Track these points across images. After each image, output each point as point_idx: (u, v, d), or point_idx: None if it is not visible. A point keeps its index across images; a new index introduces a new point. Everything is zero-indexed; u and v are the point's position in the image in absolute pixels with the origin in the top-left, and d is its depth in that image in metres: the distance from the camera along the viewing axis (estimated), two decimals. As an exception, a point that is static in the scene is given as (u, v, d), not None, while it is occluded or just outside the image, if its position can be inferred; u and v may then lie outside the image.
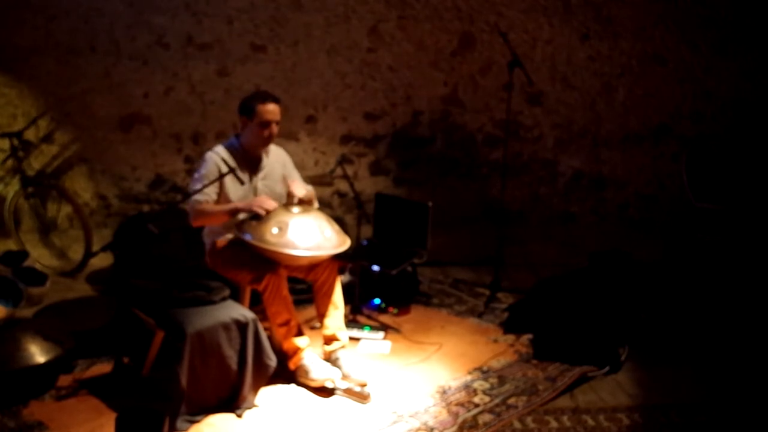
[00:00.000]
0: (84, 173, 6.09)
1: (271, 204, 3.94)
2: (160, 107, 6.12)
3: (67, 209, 5.87)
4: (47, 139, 5.96)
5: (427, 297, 5.33)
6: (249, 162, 4.17)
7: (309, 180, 4.63)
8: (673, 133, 7.00)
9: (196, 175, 4.06)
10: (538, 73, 6.67)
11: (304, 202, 4.07)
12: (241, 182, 4.01)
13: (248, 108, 4.07)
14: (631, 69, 6.86)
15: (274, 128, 4.09)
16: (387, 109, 6.63)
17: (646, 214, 7.09)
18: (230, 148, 4.13)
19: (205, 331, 3.61)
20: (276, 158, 4.31)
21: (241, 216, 3.98)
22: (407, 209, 5.16)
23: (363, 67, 6.49)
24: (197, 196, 3.96)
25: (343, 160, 5.43)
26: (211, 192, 3.99)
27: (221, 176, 3.98)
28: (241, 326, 3.73)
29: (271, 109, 4.06)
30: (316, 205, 4.25)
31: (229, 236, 4.18)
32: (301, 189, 4.09)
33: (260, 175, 4.20)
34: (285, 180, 4.25)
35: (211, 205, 3.99)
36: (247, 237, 3.88)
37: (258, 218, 3.90)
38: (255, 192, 4.17)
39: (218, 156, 4.07)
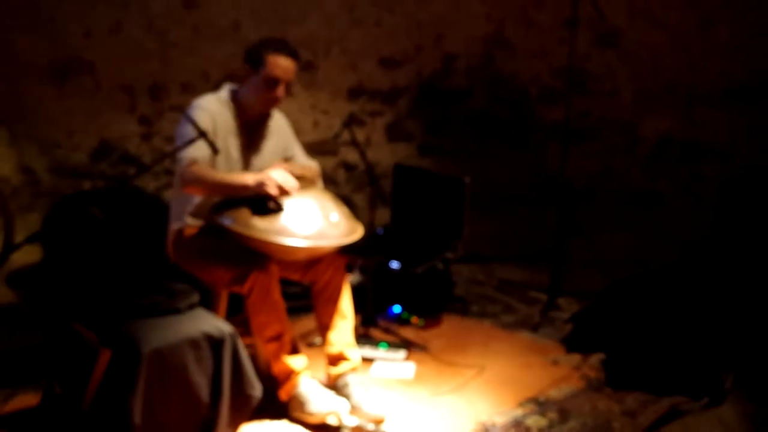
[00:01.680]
0: (2, 139, 6.09)
1: (294, 184, 3.96)
2: (105, 50, 6.10)
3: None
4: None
5: (463, 304, 5.39)
6: (239, 125, 4.22)
7: (307, 148, 4.64)
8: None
9: (180, 129, 4.09)
10: (612, 6, 6.61)
11: (302, 179, 4.10)
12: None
13: (256, 56, 4.11)
14: (737, -1, 6.83)
15: (283, 90, 4.14)
16: (410, 53, 6.63)
17: (758, 194, 7.04)
18: (217, 103, 4.17)
19: (167, 350, 3.60)
20: (275, 125, 4.38)
21: None
22: (437, 187, 5.20)
23: (378, -4, 6.54)
24: (189, 152, 3.96)
25: (352, 122, 5.44)
26: (205, 149, 3.98)
27: (192, 140, 3.96)
28: (215, 343, 3.72)
29: (285, 65, 4.11)
30: (320, 185, 4.30)
31: (200, 221, 4.19)
32: (295, 166, 4.15)
33: (254, 144, 4.26)
34: (284, 154, 4.35)
35: (207, 169, 4.00)
36: (227, 221, 3.89)
37: (265, 208, 3.90)
38: (246, 166, 4.22)
39: (208, 107, 4.11)
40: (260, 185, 3.91)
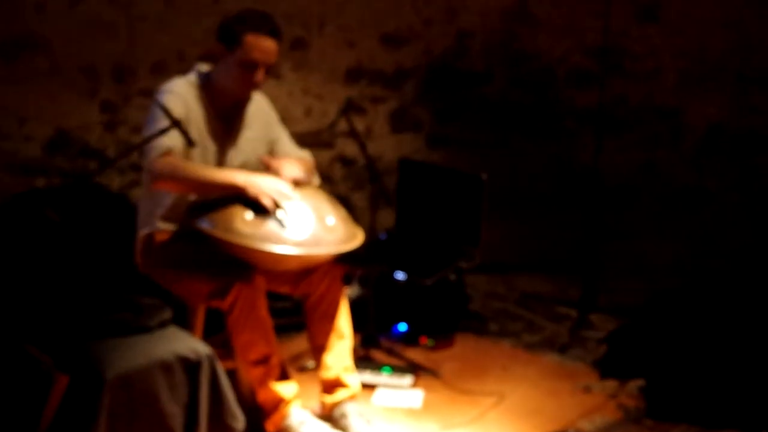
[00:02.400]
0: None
1: (289, 192, 3.97)
2: (62, 25, 6.10)
3: None
4: None
5: (480, 321, 5.44)
6: (214, 112, 4.22)
7: (297, 140, 4.63)
8: None
9: (150, 118, 4.08)
10: (653, -28, 6.63)
11: (299, 183, 4.12)
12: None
13: (230, 34, 4.10)
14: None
15: (262, 74, 4.13)
16: (418, 29, 6.66)
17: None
18: (195, 85, 4.18)
19: (134, 375, 3.60)
20: (257, 111, 4.38)
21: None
22: (449, 184, 5.23)
23: (380, -38, 6.54)
24: (162, 141, 3.93)
25: (350, 109, 5.43)
26: (178, 142, 3.97)
27: (165, 130, 3.94)
28: (191, 367, 3.72)
29: (265, 47, 4.09)
30: (316, 181, 4.31)
31: (174, 225, 4.19)
32: (293, 168, 4.13)
33: (233, 134, 4.26)
34: (269, 145, 4.37)
35: (183, 162, 3.99)
36: (205, 225, 3.90)
37: (259, 210, 3.89)
38: (222, 160, 4.22)
39: (178, 91, 4.11)
40: (250, 191, 3.89)
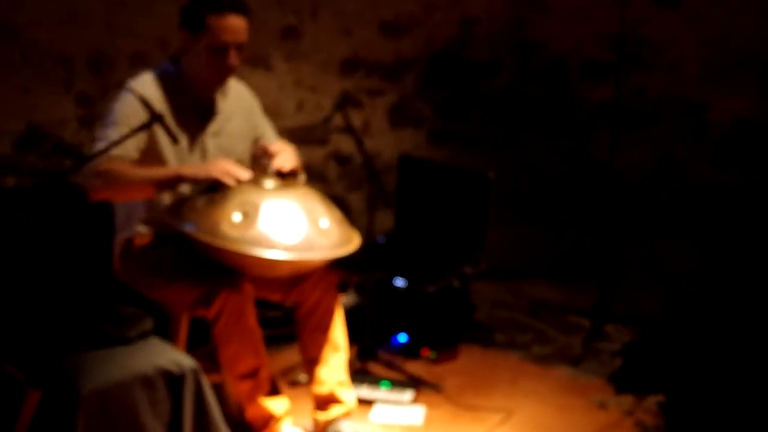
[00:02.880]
0: None
1: (243, 171, 3.98)
2: (33, 11, 6.09)
3: None
4: None
5: (486, 331, 5.45)
6: (194, 105, 4.21)
7: (290, 136, 4.64)
8: None
9: (105, 121, 4.08)
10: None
11: (286, 176, 4.12)
12: (174, 139, 4.00)
13: (193, 18, 4.09)
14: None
15: (236, 56, 4.11)
16: (419, 16, 6.67)
17: None
18: (164, 79, 4.16)
19: (112, 390, 3.60)
20: (237, 101, 4.36)
21: (184, 188, 4.02)
22: (453, 184, 5.26)
23: (378, -57, 6.55)
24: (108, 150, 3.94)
25: (346, 102, 5.47)
26: (130, 146, 3.99)
27: (146, 125, 3.96)
28: (174, 381, 3.72)
29: (232, 25, 4.07)
30: (303, 177, 4.28)
31: (155, 228, 4.19)
32: (288, 159, 4.16)
33: (210, 128, 4.24)
34: (253, 138, 4.35)
35: (128, 165, 3.98)
36: (189, 228, 3.89)
37: (215, 190, 3.93)
38: (203, 155, 4.21)
39: (142, 91, 4.09)
40: (208, 175, 3.92)
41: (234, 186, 3.92)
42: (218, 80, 4.18)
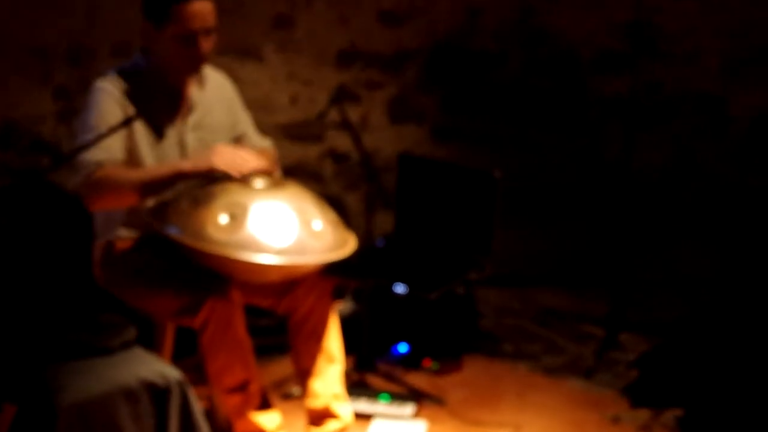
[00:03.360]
0: None
1: (253, 160, 4.01)
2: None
3: None
4: None
5: (493, 341, 5.46)
6: (167, 99, 4.21)
7: (282, 132, 4.63)
8: None
9: (85, 119, 4.08)
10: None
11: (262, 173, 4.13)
12: (159, 135, 4.01)
13: (156, 9, 4.09)
14: None
15: (206, 43, 4.10)
16: (420, 4, 6.69)
17: None
18: (131, 76, 4.16)
19: (92, 404, 3.59)
20: (216, 92, 4.36)
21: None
22: (457, 183, 5.26)
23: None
24: (97, 154, 3.95)
25: (343, 96, 5.45)
26: (116, 147, 4.00)
27: (126, 122, 3.97)
28: (158, 394, 3.71)
29: (197, 11, 4.06)
30: (277, 172, 4.29)
31: (137, 231, 4.19)
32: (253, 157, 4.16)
33: (189, 121, 4.24)
34: (234, 132, 4.39)
35: (121, 169, 3.99)
36: (173, 231, 3.89)
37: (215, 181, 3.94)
38: (182, 151, 4.20)
39: (112, 89, 4.11)
40: (210, 168, 3.91)
41: (239, 180, 3.93)
42: (191, 70, 4.17)
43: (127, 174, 3.97)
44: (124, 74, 4.14)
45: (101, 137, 3.92)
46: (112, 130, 3.92)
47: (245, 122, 4.46)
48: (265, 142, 4.48)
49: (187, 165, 3.97)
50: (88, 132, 3.99)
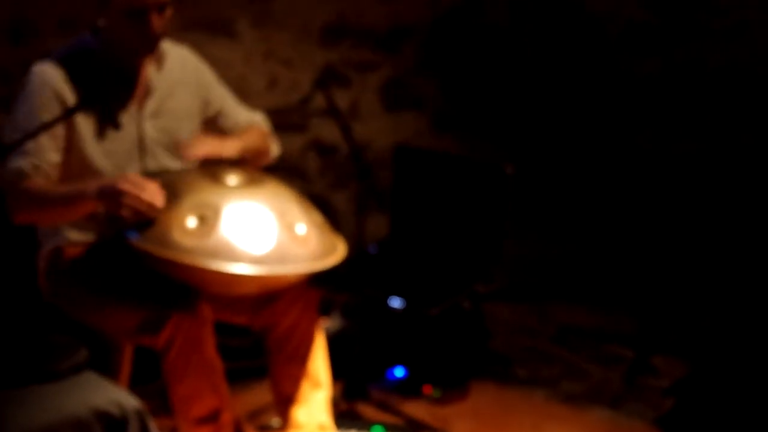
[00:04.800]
0: None
1: (157, 194, 3.89)
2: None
3: None
4: None
5: (504, 364, 5.45)
6: (120, 83, 4.23)
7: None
8: None
9: (15, 115, 4.10)
10: None
11: (238, 164, 4.18)
12: (116, 125, 4.01)
13: None
14: None
15: (159, 20, 4.10)
16: (418, -26, 6.66)
17: None
18: (78, 57, 4.17)
19: (39, 437, 3.60)
20: (178, 73, 4.37)
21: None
22: (462, 180, 5.26)
23: None
24: (19, 161, 3.97)
25: (329, 79, 5.47)
26: (50, 150, 4.02)
27: (65, 115, 3.98)
28: (113, 426, 3.70)
29: None
30: (275, 150, 4.42)
31: (90, 235, 4.20)
32: (204, 145, 4.19)
33: (147, 108, 4.26)
34: (205, 116, 4.38)
35: (49, 182, 4.01)
36: (132, 236, 3.88)
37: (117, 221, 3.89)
38: (141, 142, 4.22)
39: (51, 76, 4.11)
40: (113, 192, 3.82)
41: (147, 214, 3.83)
42: (145, 51, 4.16)
43: (49, 191, 3.97)
44: (69, 56, 4.14)
45: (29, 137, 3.90)
46: (44, 129, 3.91)
47: (221, 97, 4.44)
48: (255, 117, 4.49)
49: (91, 186, 3.91)
50: (15, 131, 3.99)
